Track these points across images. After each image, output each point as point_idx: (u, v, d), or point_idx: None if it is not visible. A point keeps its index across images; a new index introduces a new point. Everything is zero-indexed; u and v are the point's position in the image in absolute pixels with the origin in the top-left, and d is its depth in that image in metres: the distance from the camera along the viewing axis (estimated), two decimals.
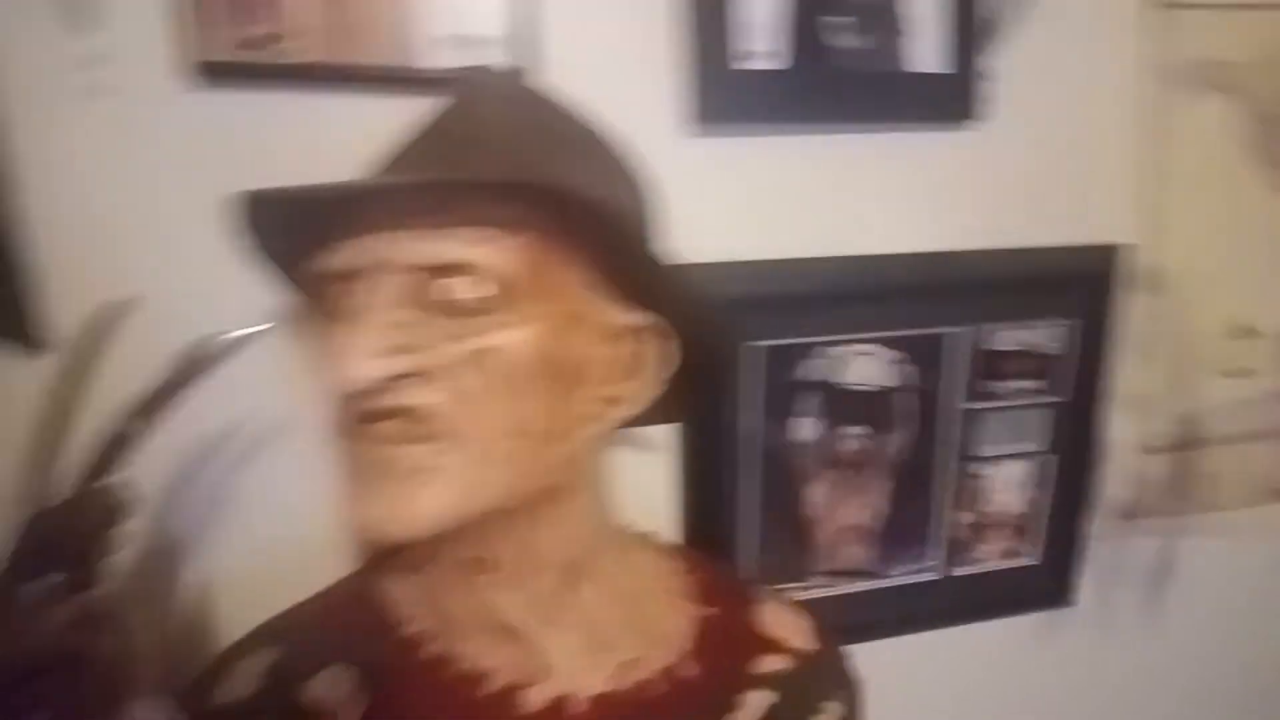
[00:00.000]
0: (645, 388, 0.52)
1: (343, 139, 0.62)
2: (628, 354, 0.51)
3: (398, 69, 0.62)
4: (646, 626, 0.56)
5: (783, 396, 0.76)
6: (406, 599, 0.56)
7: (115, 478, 0.53)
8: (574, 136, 0.53)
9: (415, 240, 0.45)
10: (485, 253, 0.45)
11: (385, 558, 0.62)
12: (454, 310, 0.45)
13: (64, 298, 0.61)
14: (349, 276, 0.47)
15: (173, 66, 0.60)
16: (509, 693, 0.51)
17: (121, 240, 0.61)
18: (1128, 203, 0.83)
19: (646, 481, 0.73)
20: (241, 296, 0.57)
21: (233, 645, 0.60)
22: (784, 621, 0.61)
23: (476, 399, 0.45)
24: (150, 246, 0.62)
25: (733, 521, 0.77)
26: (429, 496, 0.45)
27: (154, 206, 0.61)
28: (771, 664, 0.57)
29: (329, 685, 0.54)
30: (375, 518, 0.45)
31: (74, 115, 0.58)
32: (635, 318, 0.51)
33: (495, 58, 0.63)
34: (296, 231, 0.48)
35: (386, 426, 0.44)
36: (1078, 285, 0.82)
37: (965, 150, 0.77)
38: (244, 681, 0.55)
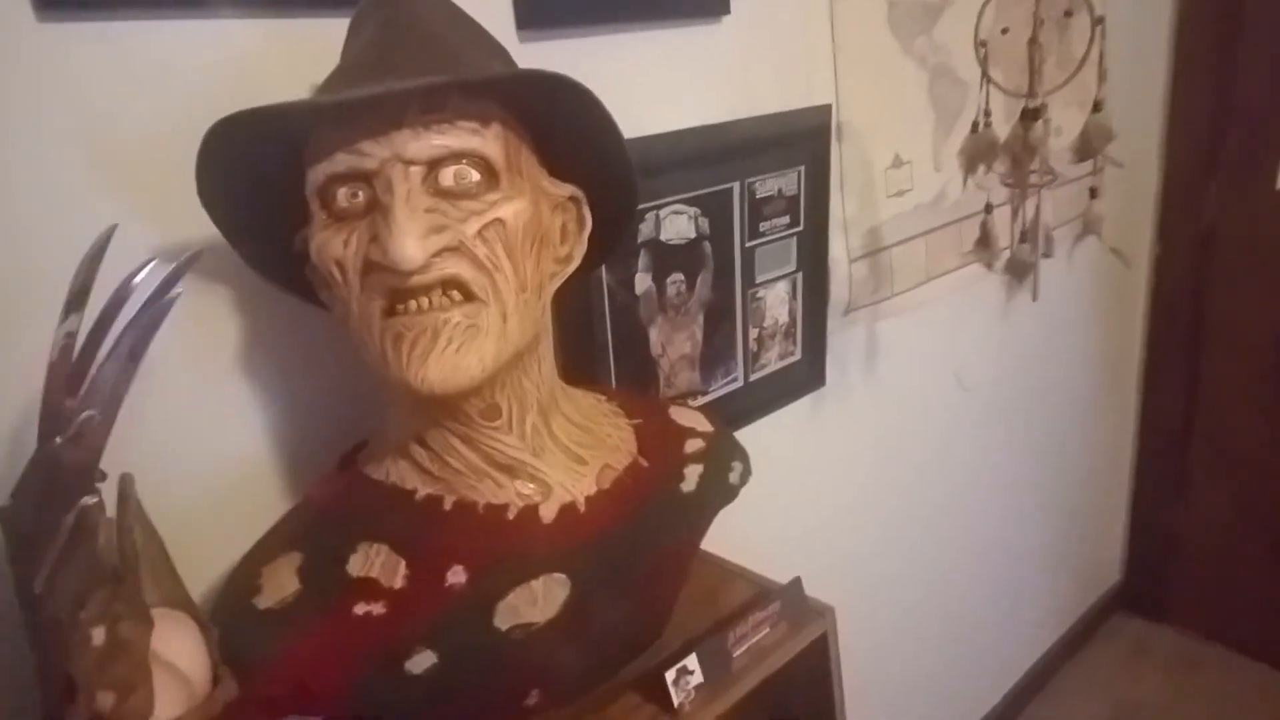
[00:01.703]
0: (581, 246, 0.64)
1: (199, 65, 0.62)
2: (570, 219, 0.63)
3: None
4: (602, 441, 0.70)
5: (627, 254, 0.91)
6: (411, 470, 0.64)
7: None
8: (486, 37, 0.62)
9: (416, 138, 0.52)
10: (478, 142, 0.53)
11: (365, 446, 0.68)
12: (460, 193, 0.53)
13: None
14: (354, 178, 0.52)
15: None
16: (529, 513, 0.63)
17: None
18: (828, 72, 1.10)
19: None
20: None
21: (247, 559, 0.63)
22: (688, 416, 0.79)
23: (494, 264, 0.54)
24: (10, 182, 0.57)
25: (596, 362, 0.92)
26: (476, 351, 0.54)
27: (15, 156, 0.57)
28: (693, 445, 0.75)
29: (365, 561, 0.61)
30: (435, 377, 0.53)
31: None
32: (568, 189, 0.62)
33: None
34: (287, 147, 0.52)
35: (431, 298, 0.52)
36: (804, 139, 1.07)
37: (722, 38, 0.96)
38: (281, 584, 0.60)
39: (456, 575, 0.59)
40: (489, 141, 0.54)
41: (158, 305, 0.50)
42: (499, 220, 0.54)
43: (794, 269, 1.13)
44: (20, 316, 0.58)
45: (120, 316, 0.50)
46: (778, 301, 1.12)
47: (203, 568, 0.67)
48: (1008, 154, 0.97)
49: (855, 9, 1.12)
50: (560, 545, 0.62)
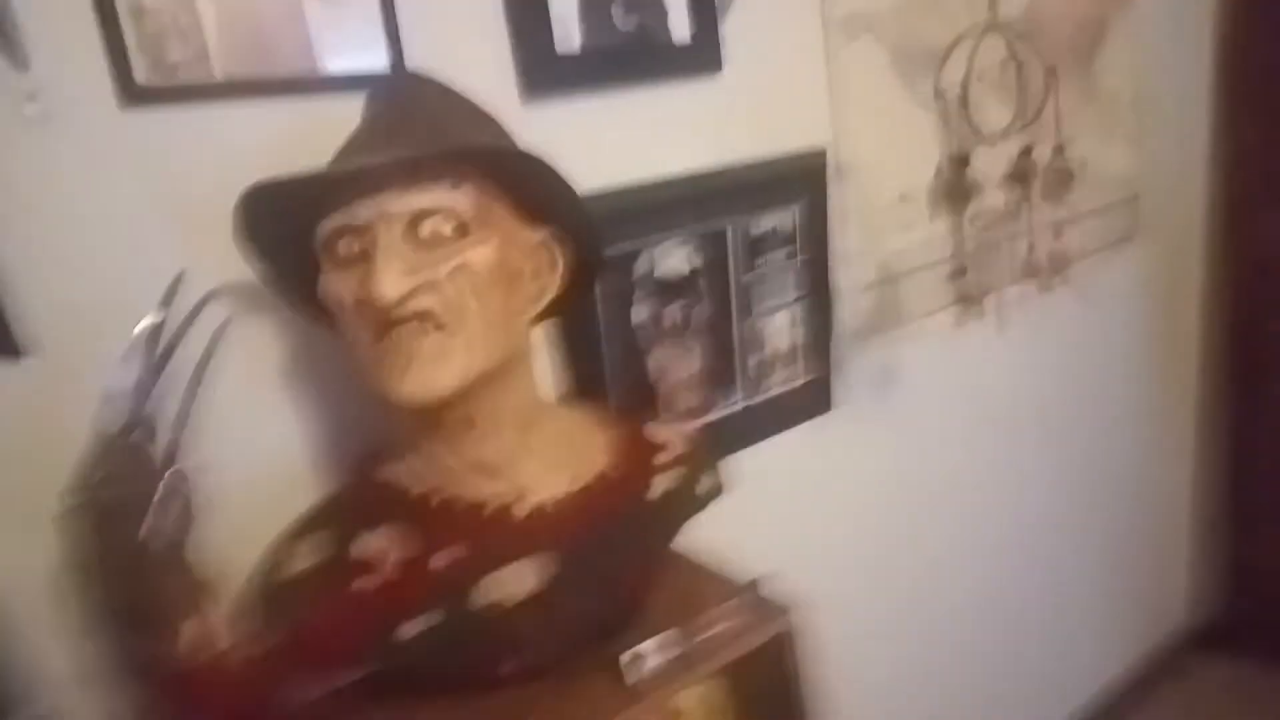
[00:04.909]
0: (554, 283, 0.76)
1: (262, 143, 0.77)
2: (542, 260, 0.75)
3: (303, 78, 0.78)
4: (578, 450, 0.81)
5: (623, 289, 1.02)
6: (409, 472, 0.76)
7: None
8: (474, 112, 0.75)
9: (401, 196, 0.65)
10: (452, 198, 0.66)
11: (377, 453, 0.81)
12: (435, 242, 0.66)
13: (33, 307, 0.71)
14: (352, 229, 0.65)
15: (108, 92, 0.71)
16: (504, 510, 0.75)
17: (83, 250, 0.72)
18: (825, 117, 1.18)
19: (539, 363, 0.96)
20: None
21: (286, 535, 0.77)
22: (664, 432, 0.89)
23: (463, 299, 0.66)
24: (108, 252, 0.73)
25: (603, 387, 1.03)
26: (445, 369, 0.66)
27: (108, 216, 0.73)
28: (662, 459, 0.85)
29: (368, 544, 0.73)
30: (410, 390, 0.66)
31: (30, 141, 0.69)
32: (541, 234, 0.74)
33: (378, 60, 0.81)
34: (308, 205, 0.66)
35: (409, 326, 0.65)
36: (801, 179, 1.16)
37: (717, 92, 1.07)
38: (307, 556, 0.73)
39: (439, 560, 0.71)
40: (459, 199, 0.66)
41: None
42: (465, 264, 0.66)
43: (793, 299, 1.21)
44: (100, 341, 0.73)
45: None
46: (777, 331, 1.20)
47: (251, 545, 0.81)
48: (943, 198, 1.03)
49: (856, 56, 1.20)
50: (528, 540, 0.73)
